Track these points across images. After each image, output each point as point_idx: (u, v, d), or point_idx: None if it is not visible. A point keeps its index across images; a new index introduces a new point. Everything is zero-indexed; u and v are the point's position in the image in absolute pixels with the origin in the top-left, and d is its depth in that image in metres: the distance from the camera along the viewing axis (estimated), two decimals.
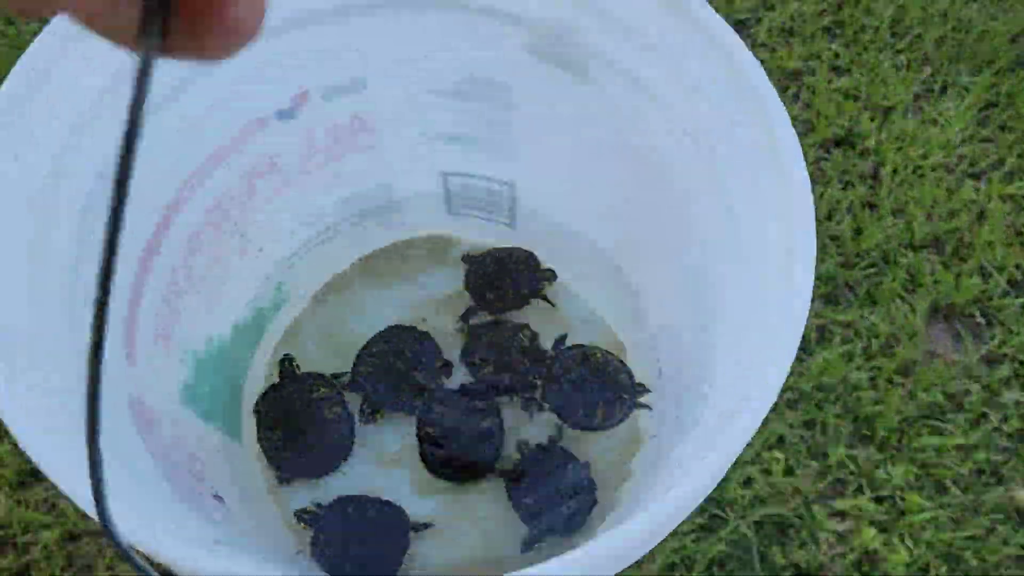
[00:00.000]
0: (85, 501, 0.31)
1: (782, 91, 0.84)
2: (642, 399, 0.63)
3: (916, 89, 0.87)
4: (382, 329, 0.65)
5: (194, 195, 0.52)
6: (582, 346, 0.65)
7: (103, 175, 0.43)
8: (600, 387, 0.63)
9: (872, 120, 0.85)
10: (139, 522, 0.31)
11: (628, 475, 0.60)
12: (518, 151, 0.62)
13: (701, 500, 0.35)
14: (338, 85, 0.57)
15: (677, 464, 0.43)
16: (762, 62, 0.76)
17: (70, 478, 0.33)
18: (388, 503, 0.59)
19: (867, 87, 0.87)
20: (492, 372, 0.64)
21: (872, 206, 0.80)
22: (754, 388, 0.36)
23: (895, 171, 0.82)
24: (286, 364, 0.63)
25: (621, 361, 0.64)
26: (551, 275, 0.67)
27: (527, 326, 0.66)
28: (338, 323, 0.67)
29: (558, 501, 0.59)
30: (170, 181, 0.51)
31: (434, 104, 0.59)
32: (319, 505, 0.59)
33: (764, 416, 0.35)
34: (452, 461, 0.60)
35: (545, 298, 0.67)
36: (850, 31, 0.91)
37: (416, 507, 0.60)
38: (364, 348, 0.64)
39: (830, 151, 0.83)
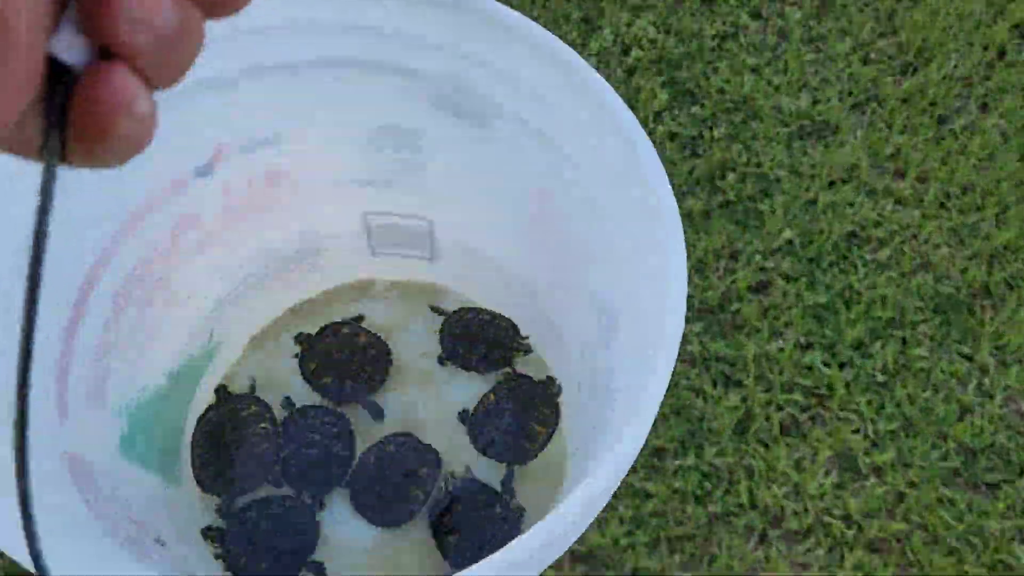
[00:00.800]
0: (22, 557, 0.34)
1: None
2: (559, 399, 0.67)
3: None
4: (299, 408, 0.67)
5: (118, 253, 0.55)
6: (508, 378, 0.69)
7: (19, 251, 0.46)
8: (521, 414, 0.67)
9: None
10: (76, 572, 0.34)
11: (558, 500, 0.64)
12: (433, 190, 0.66)
13: (617, 481, 0.39)
14: (254, 140, 0.60)
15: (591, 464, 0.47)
16: None
17: (5, 536, 0.35)
18: (290, 497, 0.62)
19: None
20: (331, 382, 0.67)
21: None
22: (649, 382, 0.40)
23: None
24: (221, 391, 0.67)
25: (541, 380, 0.69)
26: (527, 348, 0.71)
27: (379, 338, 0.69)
28: (274, 369, 0.69)
29: (490, 550, 0.61)
30: (93, 241, 0.53)
31: (349, 151, 0.63)
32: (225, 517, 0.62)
33: (659, 402, 0.39)
34: (380, 500, 0.63)
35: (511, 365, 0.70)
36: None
37: (345, 557, 0.62)
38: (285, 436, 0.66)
39: None
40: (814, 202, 0.84)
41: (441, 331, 0.71)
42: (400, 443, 0.65)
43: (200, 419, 0.66)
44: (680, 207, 0.83)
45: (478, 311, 0.72)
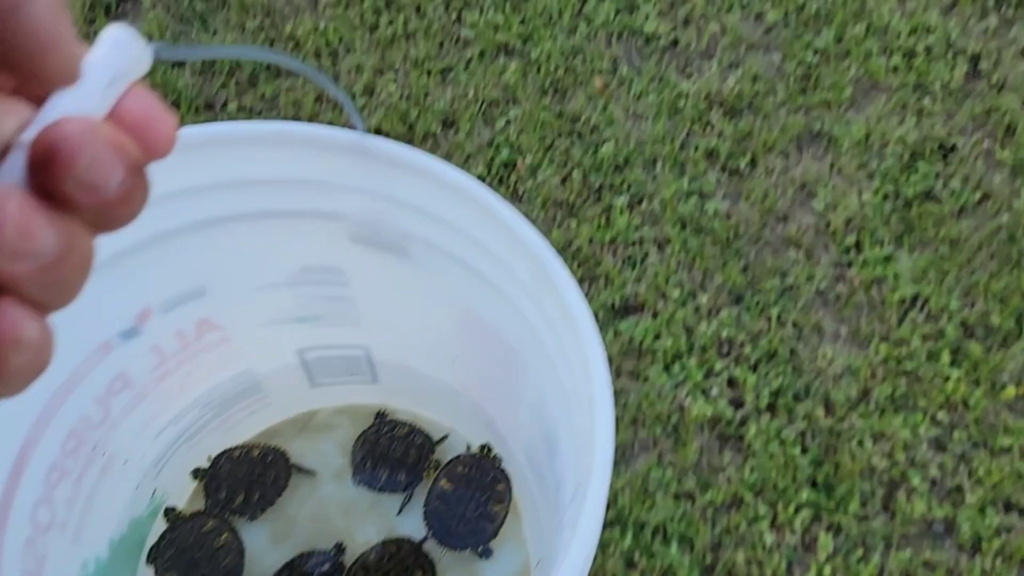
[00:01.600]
0: None
1: None
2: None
3: None
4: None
5: (46, 430, 0.53)
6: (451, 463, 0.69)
7: None
8: (479, 497, 0.67)
9: None
10: None
11: None
12: (363, 319, 0.66)
13: None
14: (179, 295, 0.60)
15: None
16: None
17: None
18: None
19: None
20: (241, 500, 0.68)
21: None
22: (588, 498, 0.40)
23: None
24: (170, 513, 0.66)
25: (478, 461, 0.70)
26: (436, 465, 0.71)
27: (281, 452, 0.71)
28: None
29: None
30: (21, 421, 0.52)
31: (275, 294, 0.63)
32: None
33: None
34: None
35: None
36: None
37: None
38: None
39: None
40: None
41: (353, 449, 0.71)
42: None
43: (159, 543, 0.64)
44: None
45: (394, 425, 0.72)
